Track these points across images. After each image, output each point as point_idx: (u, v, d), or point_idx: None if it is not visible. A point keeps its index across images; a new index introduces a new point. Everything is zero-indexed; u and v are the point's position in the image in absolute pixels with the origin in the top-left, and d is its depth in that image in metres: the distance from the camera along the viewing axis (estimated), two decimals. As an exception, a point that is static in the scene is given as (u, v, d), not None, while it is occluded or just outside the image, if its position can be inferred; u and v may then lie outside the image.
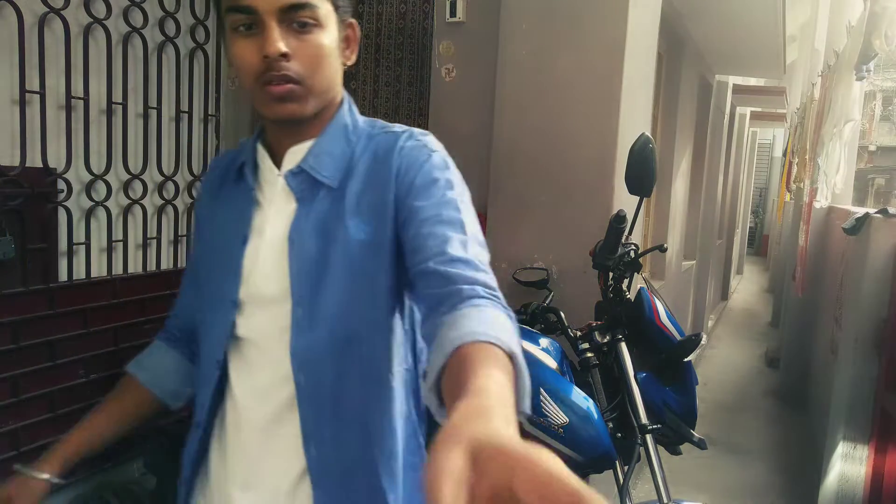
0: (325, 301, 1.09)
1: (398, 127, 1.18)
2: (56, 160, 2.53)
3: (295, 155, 1.15)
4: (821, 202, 4.94)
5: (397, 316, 1.14)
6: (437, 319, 0.93)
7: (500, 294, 0.97)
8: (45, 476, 1.29)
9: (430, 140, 1.15)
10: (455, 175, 1.11)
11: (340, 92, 1.18)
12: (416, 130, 1.16)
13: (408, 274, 1.06)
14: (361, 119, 1.21)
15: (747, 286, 13.01)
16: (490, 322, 0.85)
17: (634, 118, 2.74)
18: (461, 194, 1.08)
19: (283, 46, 1.02)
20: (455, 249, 0.99)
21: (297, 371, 1.10)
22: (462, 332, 0.81)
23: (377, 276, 1.10)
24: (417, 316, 1.19)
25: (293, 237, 1.11)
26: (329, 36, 1.07)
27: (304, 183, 1.13)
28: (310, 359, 1.10)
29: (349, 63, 1.17)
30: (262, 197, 1.18)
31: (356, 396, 1.12)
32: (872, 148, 22.55)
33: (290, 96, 1.05)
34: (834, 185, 4.73)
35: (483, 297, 0.93)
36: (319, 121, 1.15)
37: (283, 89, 1.04)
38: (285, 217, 1.14)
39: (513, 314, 0.93)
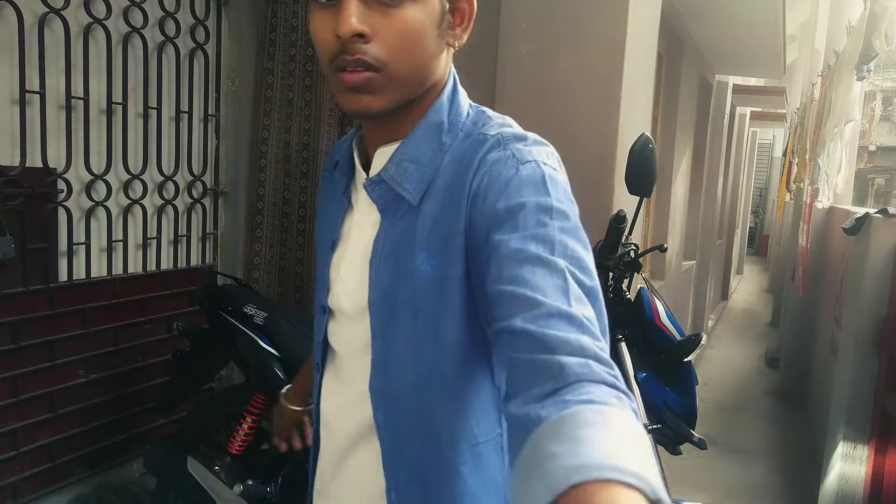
0: (395, 340, 0.93)
1: (495, 126, 0.93)
2: (56, 160, 2.53)
3: (382, 158, 0.96)
4: (822, 202, 4.94)
5: (477, 373, 0.93)
6: (529, 408, 0.65)
7: (618, 373, 0.68)
8: (297, 408, 1.38)
9: (525, 147, 0.87)
10: (555, 195, 0.82)
11: (443, 80, 0.95)
12: (511, 133, 0.90)
13: (488, 331, 0.80)
14: (468, 110, 0.97)
15: (747, 286, 13.00)
16: (621, 439, 0.55)
17: (634, 118, 2.74)
18: (562, 220, 0.80)
19: (357, 24, 0.81)
20: (552, 299, 0.72)
21: (376, 409, 0.97)
22: (580, 458, 0.52)
23: (441, 322, 0.89)
24: None
25: (373, 260, 0.94)
26: (424, 10, 0.84)
27: (386, 194, 0.94)
28: (387, 398, 0.96)
29: (458, 43, 0.94)
30: (355, 199, 1.03)
31: (419, 458, 0.95)
32: (872, 148, 22.55)
33: (365, 86, 0.85)
34: (835, 186, 4.73)
35: (600, 384, 0.65)
36: (411, 116, 0.93)
37: (357, 78, 0.84)
38: (368, 229, 0.97)
39: (640, 416, 0.66)
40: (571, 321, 0.70)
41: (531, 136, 0.90)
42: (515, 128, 0.93)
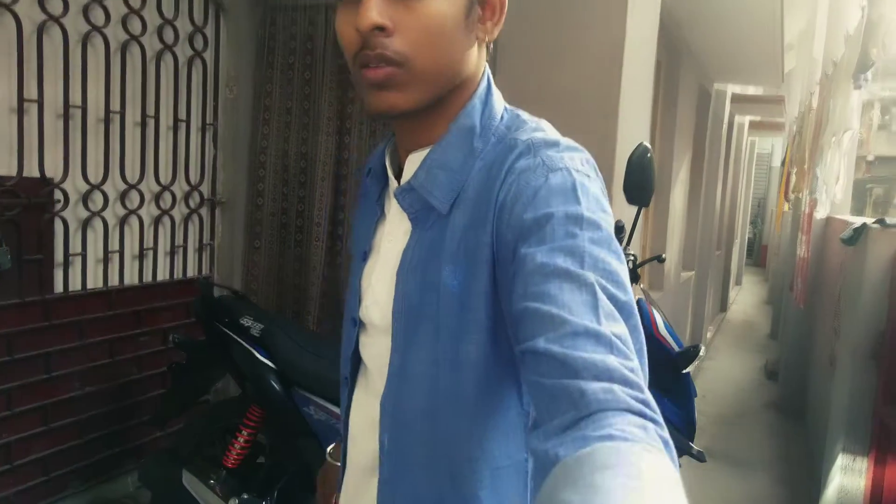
0: (414, 357, 0.88)
1: (527, 130, 0.87)
2: (53, 169, 2.52)
3: (413, 164, 0.91)
4: (820, 212, 4.93)
5: (502, 394, 0.87)
6: (548, 444, 0.61)
7: (649, 397, 0.63)
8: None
9: (556, 154, 0.82)
10: (586, 204, 0.77)
11: (475, 78, 0.90)
12: (542, 139, 0.85)
13: (515, 351, 0.75)
14: (502, 112, 0.92)
15: (746, 297, 12.98)
16: (641, 484, 0.49)
17: (633, 127, 2.73)
18: (593, 230, 0.74)
19: (377, 17, 0.78)
20: (579, 316, 0.67)
21: (383, 430, 0.92)
22: None
23: (465, 340, 0.84)
24: None
25: (401, 270, 0.90)
26: (449, 2, 0.81)
27: (416, 203, 0.90)
28: (396, 420, 0.91)
29: (489, 38, 0.89)
30: (387, 207, 0.99)
31: (425, 487, 0.90)
32: (870, 157, 22.53)
33: (388, 83, 0.81)
34: (833, 196, 4.72)
35: (624, 412, 0.60)
36: (442, 119, 0.89)
37: (379, 74, 0.81)
38: (399, 238, 0.93)
39: (673, 446, 0.59)
40: (599, 340, 0.65)
41: (564, 140, 0.86)
42: (549, 132, 0.88)
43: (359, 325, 1.01)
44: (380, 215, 1.00)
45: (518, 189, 0.79)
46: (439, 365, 0.86)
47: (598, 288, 0.70)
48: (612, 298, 0.70)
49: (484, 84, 0.91)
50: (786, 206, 7.80)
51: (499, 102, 0.92)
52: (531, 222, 0.75)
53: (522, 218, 0.76)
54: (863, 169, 21.18)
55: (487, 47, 0.92)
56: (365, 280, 0.99)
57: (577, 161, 0.82)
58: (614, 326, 0.68)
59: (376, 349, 0.96)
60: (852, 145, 5.07)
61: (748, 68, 6.74)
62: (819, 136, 4.89)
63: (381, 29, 0.79)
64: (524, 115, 0.92)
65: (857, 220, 3.99)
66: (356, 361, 1.03)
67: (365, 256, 1.01)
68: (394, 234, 0.95)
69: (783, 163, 8.19)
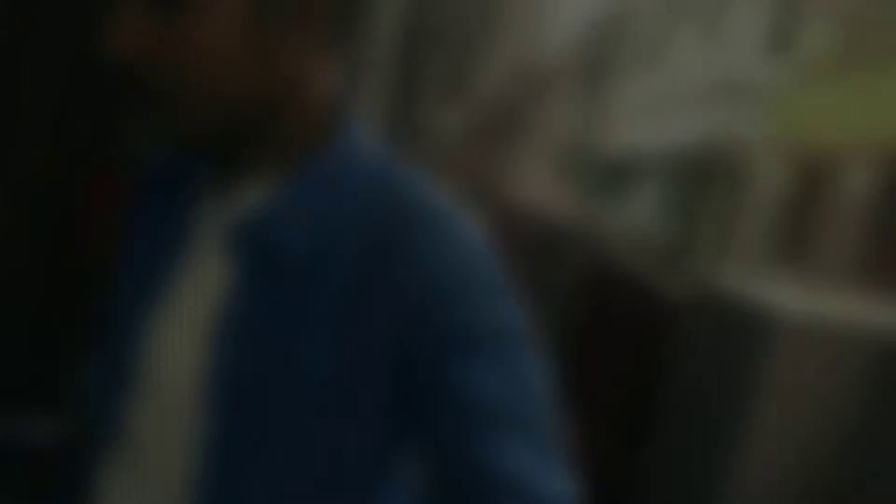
0: (256, 450, 0.68)
1: (410, 183, 0.70)
2: None
3: (248, 195, 0.71)
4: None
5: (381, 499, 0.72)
6: None
7: None
8: None
9: (460, 229, 0.68)
10: (508, 297, 0.68)
11: (316, 95, 0.70)
12: (440, 206, 0.69)
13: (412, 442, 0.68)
14: (367, 147, 0.73)
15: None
16: None
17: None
18: (518, 338, 0.67)
19: (128, 41, 0.62)
20: (545, 487, 0.63)
21: None
22: None
23: (341, 432, 0.68)
24: None
25: (223, 331, 0.68)
26: (212, 21, 0.62)
27: (257, 247, 0.69)
28: None
29: (315, 43, 0.68)
30: (197, 236, 0.74)
31: None
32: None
33: (160, 110, 0.65)
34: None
35: None
36: (279, 143, 0.70)
37: (149, 100, 0.65)
38: (213, 281, 0.71)
39: None
40: None
41: (454, 204, 0.71)
42: (430, 186, 0.72)
43: (132, 382, 0.74)
44: (181, 242, 0.75)
45: (439, 280, 0.65)
46: (300, 466, 0.68)
47: (545, 430, 0.66)
48: (550, 434, 0.67)
49: (339, 106, 0.72)
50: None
51: (364, 132, 0.74)
52: (462, 331, 0.65)
53: (448, 322, 0.65)
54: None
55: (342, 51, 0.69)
56: (151, 327, 0.73)
57: (478, 234, 0.70)
58: (566, 478, 0.66)
59: (164, 422, 0.72)
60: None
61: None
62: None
63: (135, 56, 0.63)
64: (392, 155, 0.75)
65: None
66: (118, 429, 0.75)
67: (151, 292, 0.75)
68: (205, 276, 0.72)
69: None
